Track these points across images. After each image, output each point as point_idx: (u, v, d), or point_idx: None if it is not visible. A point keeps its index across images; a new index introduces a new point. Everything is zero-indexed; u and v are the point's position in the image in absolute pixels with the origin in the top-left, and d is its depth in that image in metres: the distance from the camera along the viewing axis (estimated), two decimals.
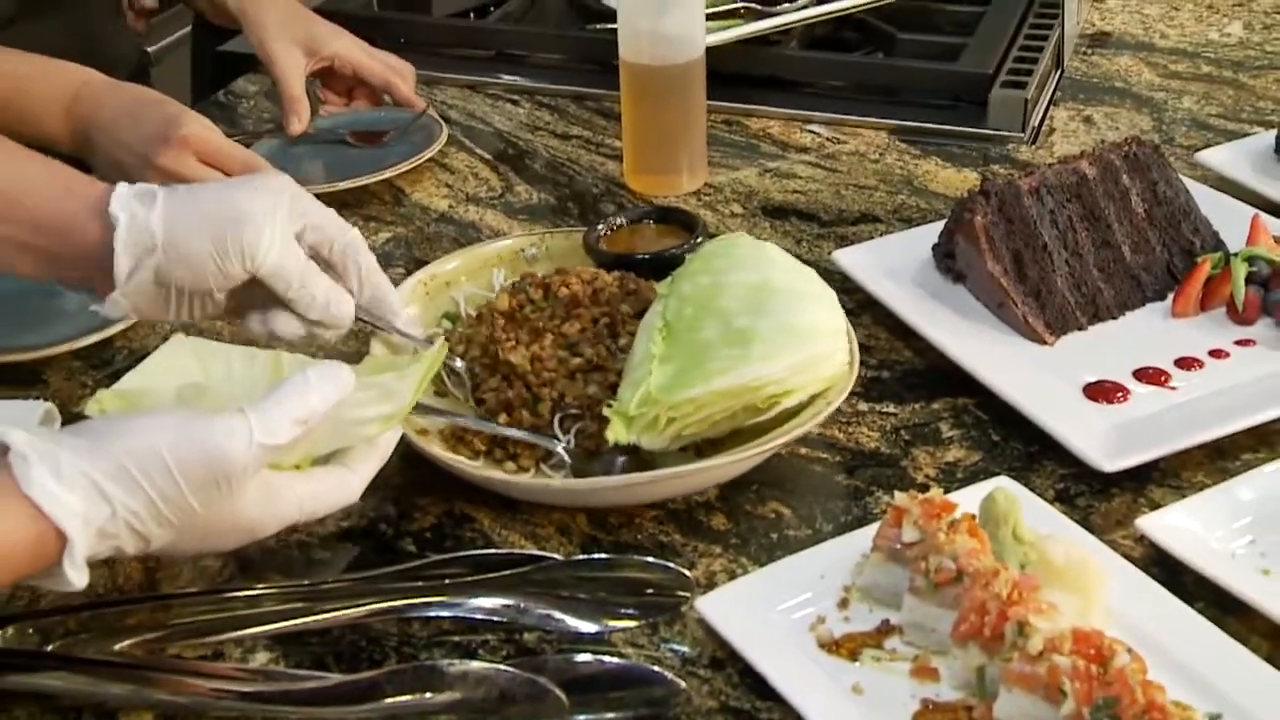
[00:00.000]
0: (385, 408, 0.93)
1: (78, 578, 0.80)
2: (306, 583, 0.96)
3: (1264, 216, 1.30)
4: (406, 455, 1.08)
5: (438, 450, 1.04)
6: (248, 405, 0.85)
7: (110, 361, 1.25)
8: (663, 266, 1.19)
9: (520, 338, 1.10)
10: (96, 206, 1.00)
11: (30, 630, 0.92)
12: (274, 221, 1.00)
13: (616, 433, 1.01)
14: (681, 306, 1.04)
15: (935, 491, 0.93)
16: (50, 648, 0.92)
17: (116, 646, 0.92)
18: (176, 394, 0.94)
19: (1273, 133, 1.49)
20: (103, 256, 0.99)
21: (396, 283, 1.15)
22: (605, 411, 1.03)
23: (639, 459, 1.05)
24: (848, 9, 1.72)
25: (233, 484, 0.84)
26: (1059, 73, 1.73)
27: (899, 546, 0.92)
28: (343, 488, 0.92)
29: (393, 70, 1.62)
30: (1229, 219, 1.33)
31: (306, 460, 0.93)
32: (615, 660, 0.90)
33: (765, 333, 1.02)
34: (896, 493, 0.95)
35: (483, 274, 1.25)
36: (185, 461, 0.82)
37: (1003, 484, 0.99)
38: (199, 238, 0.99)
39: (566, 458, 1.05)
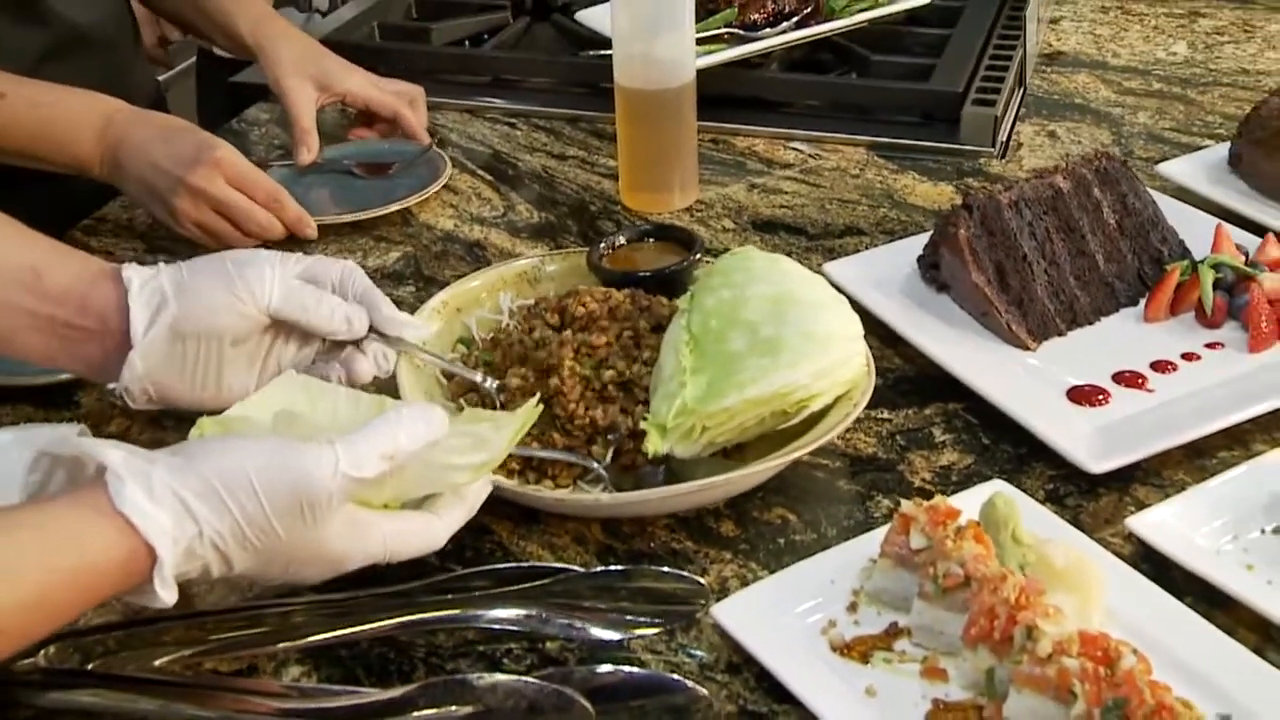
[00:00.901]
0: (477, 456, 0.88)
1: (167, 595, 0.77)
2: (338, 597, 0.92)
3: (1226, 226, 1.27)
4: None
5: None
6: (337, 437, 0.81)
7: None
8: (665, 282, 1.15)
9: (545, 360, 1.06)
10: (110, 273, 0.98)
11: (71, 649, 0.88)
12: (273, 262, 1.00)
13: (654, 444, 0.98)
14: (706, 319, 1.01)
15: (939, 499, 0.90)
16: (90, 666, 0.87)
17: (155, 663, 0.87)
18: (272, 420, 0.90)
19: (1225, 145, 1.46)
20: (119, 319, 0.97)
21: (410, 299, 1.11)
22: (642, 425, 0.99)
23: (669, 468, 1.01)
24: (825, 33, 1.68)
25: (317, 512, 0.80)
26: (1022, 90, 1.69)
27: (907, 553, 0.88)
28: (428, 531, 0.88)
29: (402, 101, 1.57)
30: (1191, 228, 1.30)
31: (395, 502, 0.88)
32: (638, 670, 0.86)
33: (791, 341, 0.98)
34: (902, 500, 0.91)
35: (489, 298, 1.19)
36: (271, 485, 0.79)
37: (1000, 488, 0.95)
38: (209, 283, 0.98)
39: (605, 474, 1.00)
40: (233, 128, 1.72)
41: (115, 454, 0.77)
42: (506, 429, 0.90)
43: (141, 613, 0.92)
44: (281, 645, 0.89)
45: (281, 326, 1.02)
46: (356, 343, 1.04)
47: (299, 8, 2.20)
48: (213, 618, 0.91)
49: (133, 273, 0.98)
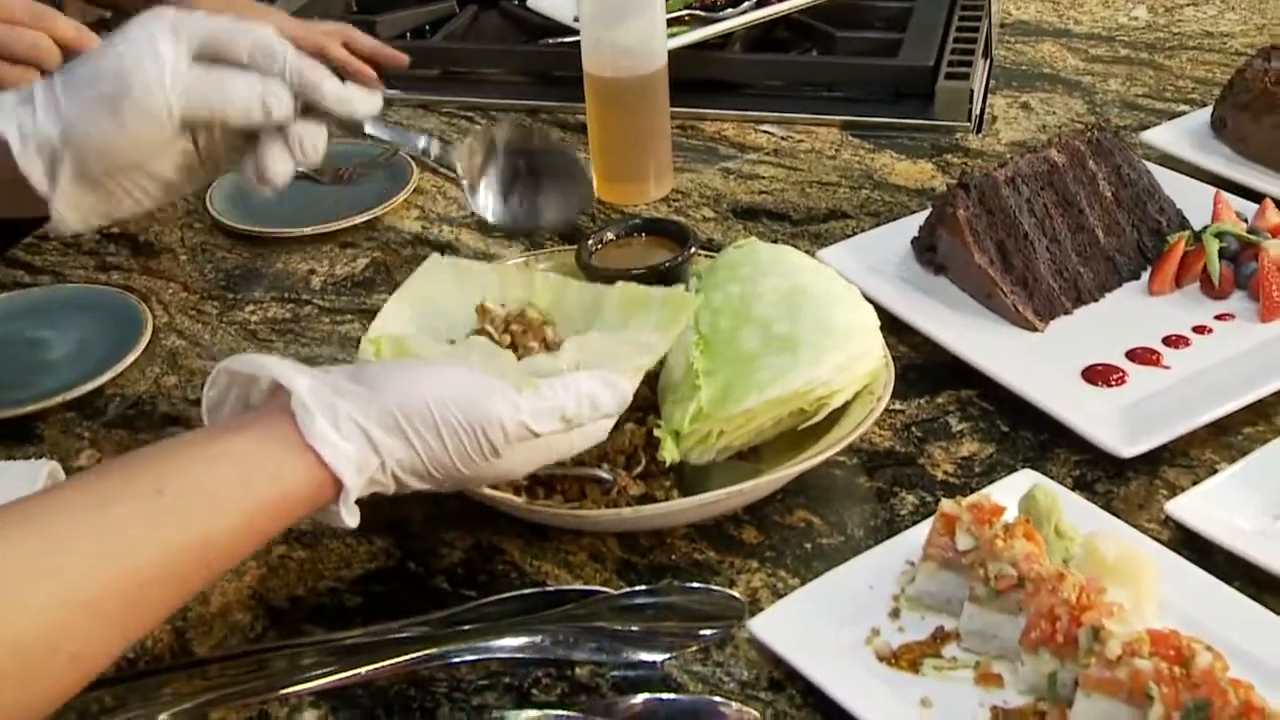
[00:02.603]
0: (642, 360, 0.91)
1: (351, 519, 0.79)
2: (350, 634, 0.86)
3: (1225, 194, 1.24)
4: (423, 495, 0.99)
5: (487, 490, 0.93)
6: (526, 387, 0.82)
7: (104, 410, 1.12)
8: (660, 280, 1.10)
9: (534, 332, 1.01)
10: None
11: (65, 710, 0.81)
12: (159, 60, 0.83)
13: (669, 452, 0.93)
14: (715, 318, 0.96)
15: (981, 496, 0.86)
16: None
17: (159, 718, 0.81)
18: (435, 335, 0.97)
19: (1205, 110, 1.44)
20: (17, 176, 0.85)
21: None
22: (656, 432, 0.94)
23: (683, 475, 0.96)
24: (787, 10, 1.64)
25: (495, 452, 0.82)
26: (989, 62, 1.66)
27: (953, 555, 0.84)
28: (591, 429, 0.87)
29: (333, 40, 1.33)
30: (1183, 196, 1.28)
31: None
32: (680, 696, 0.82)
33: (808, 336, 0.94)
34: (940, 498, 0.87)
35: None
36: (452, 423, 0.80)
37: (1035, 480, 0.92)
38: (95, 118, 0.84)
39: (616, 484, 0.95)
40: None
41: (302, 381, 0.77)
42: (668, 330, 0.95)
43: (137, 663, 0.87)
44: (292, 689, 0.83)
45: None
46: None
47: None
48: (215, 664, 0.85)
49: (5, 122, 0.84)
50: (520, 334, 0.99)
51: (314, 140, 0.89)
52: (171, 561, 0.71)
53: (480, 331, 1.01)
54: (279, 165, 0.88)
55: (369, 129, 0.93)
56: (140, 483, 0.72)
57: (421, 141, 0.98)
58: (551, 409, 0.82)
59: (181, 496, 0.72)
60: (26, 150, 0.84)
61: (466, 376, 0.81)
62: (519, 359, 0.96)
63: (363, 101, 0.91)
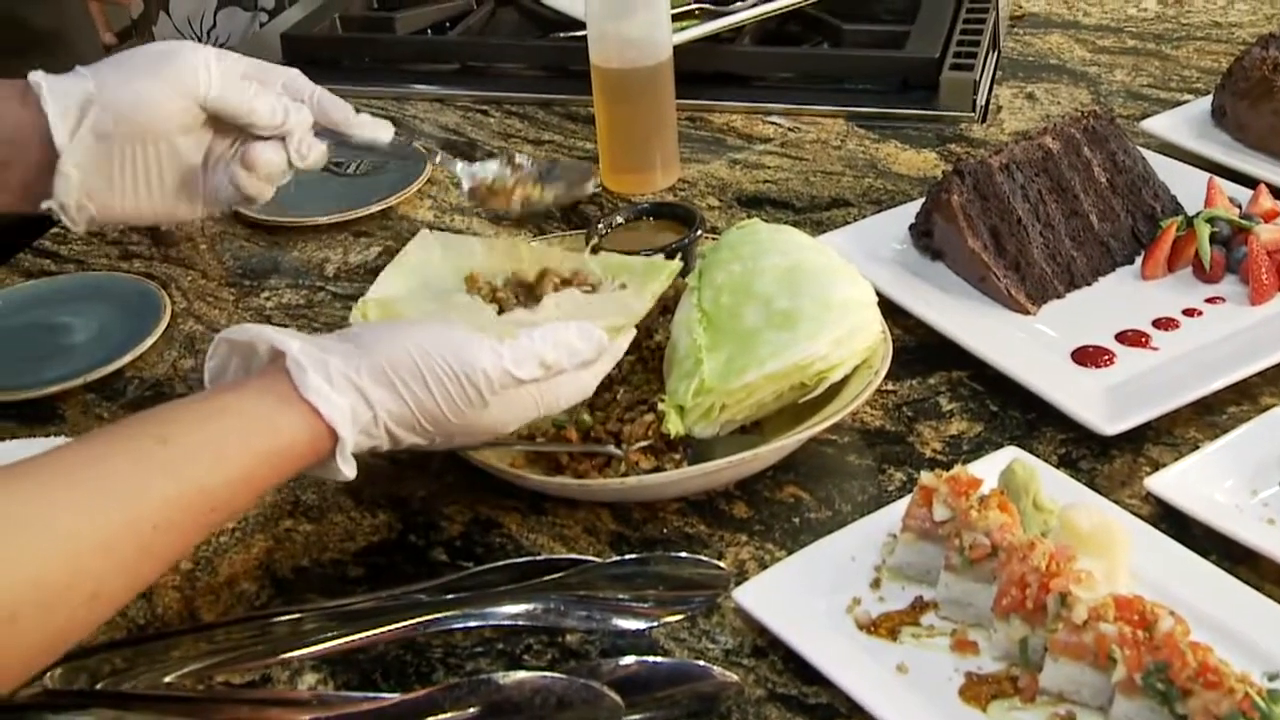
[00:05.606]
0: (618, 319, 0.95)
1: (348, 470, 0.83)
2: (350, 601, 0.89)
3: (1218, 179, 1.26)
4: (427, 467, 1.03)
5: (495, 463, 0.97)
6: (507, 336, 0.87)
7: (123, 392, 1.17)
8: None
9: (518, 294, 1.04)
10: (15, 91, 0.93)
11: (78, 670, 0.85)
12: (208, 55, 0.96)
13: (674, 425, 0.96)
14: (717, 295, 0.99)
15: (959, 469, 0.88)
16: (99, 686, 0.85)
17: (165, 679, 0.85)
18: (428, 297, 1.01)
19: (1207, 99, 1.45)
20: (35, 136, 0.92)
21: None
22: (660, 406, 0.97)
23: (687, 450, 0.99)
24: (796, 4, 1.66)
25: (481, 399, 0.85)
26: (996, 53, 1.68)
27: (930, 525, 0.86)
28: (576, 383, 0.91)
29: None
30: (1180, 183, 1.29)
31: None
32: (664, 659, 0.85)
33: (808, 312, 0.96)
34: (920, 472, 0.90)
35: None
36: (438, 372, 0.84)
37: (1018, 455, 0.94)
38: (137, 75, 0.93)
39: (630, 460, 0.98)
40: None
41: (294, 343, 0.82)
42: (646, 291, 0.99)
43: (146, 629, 0.90)
44: (294, 653, 0.87)
45: (219, 126, 0.98)
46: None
47: (244, 7, 2.16)
48: (221, 629, 0.89)
49: (41, 78, 0.93)
50: (505, 300, 1.03)
51: (316, 151, 1.01)
52: (175, 509, 0.75)
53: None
54: (269, 155, 0.98)
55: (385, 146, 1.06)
56: (145, 436, 0.76)
57: (447, 162, 1.12)
58: (531, 354, 0.87)
59: (183, 447, 0.76)
60: (57, 96, 0.91)
61: (449, 329, 0.86)
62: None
63: (375, 133, 1.04)
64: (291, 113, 0.99)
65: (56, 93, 0.92)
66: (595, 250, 1.15)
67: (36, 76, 0.93)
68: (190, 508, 0.76)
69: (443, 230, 1.38)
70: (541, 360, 0.87)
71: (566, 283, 1.02)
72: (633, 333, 0.97)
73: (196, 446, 0.77)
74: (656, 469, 0.97)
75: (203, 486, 0.76)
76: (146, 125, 0.94)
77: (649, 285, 1.00)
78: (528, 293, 1.03)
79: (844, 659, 0.83)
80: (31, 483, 0.71)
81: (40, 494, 0.71)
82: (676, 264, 1.03)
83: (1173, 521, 0.93)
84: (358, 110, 1.04)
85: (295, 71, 1.02)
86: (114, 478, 0.74)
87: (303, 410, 0.80)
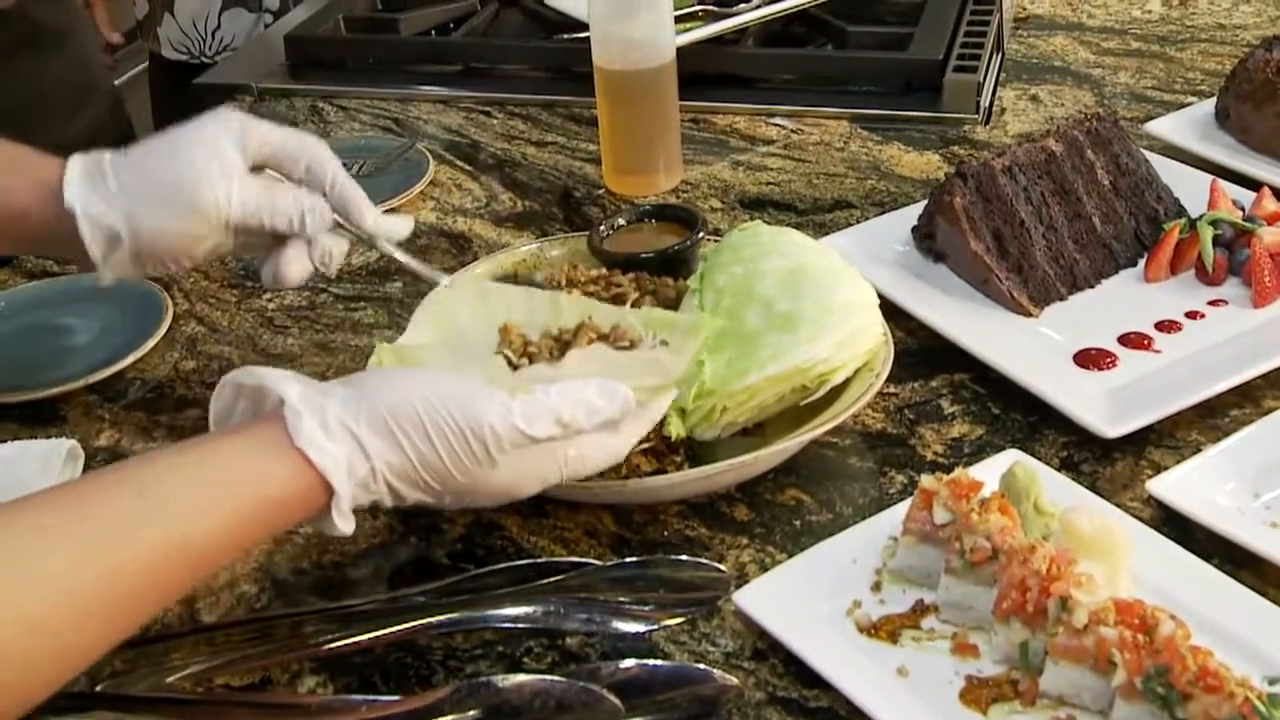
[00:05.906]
0: (653, 379, 0.90)
1: (345, 525, 0.79)
2: (350, 603, 0.89)
3: (1221, 182, 1.26)
4: None
5: None
6: (521, 392, 0.82)
7: (124, 393, 1.17)
8: (670, 263, 1.12)
9: (551, 349, 1.03)
10: (52, 190, 0.95)
11: None
12: (226, 172, 0.95)
13: (675, 427, 0.95)
14: (719, 297, 0.98)
15: (960, 472, 0.88)
16: (99, 687, 0.85)
17: (166, 681, 0.85)
18: (445, 343, 0.94)
19: (1211, 101, 1.45)
20: (73, 234, 0.95)
21: (398, 294, 1.10)
22: None
23: (689, 453, 0.99)
24: (800, 5, 1.66)
25: (489, 456, 0.81)
26: (1000, 55, 1.68)
27: (930, 528, 0.86)
28: (606, 448, 0.86)
29: None
30: (1183, 185, 1.29)
31: None
32: (664, 662, 0.84)
33: (809, 314, 0.96)
34: (920, 476, 0.89)
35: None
36: (441, 427, 0.79)
37: (1018, 458, 0.94)
38: (158, 215, 0.95)
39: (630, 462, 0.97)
40: None
41: (293, 388, 0.78)
42: (684, 352, 0.93)
43: (147, 631, 0.90)
44: (294, 655, 0.87)
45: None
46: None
47: (249, 8, 2.16)
48: (221, 631, 0.89)
49: (75, 199, 0.94)
50: (537, 354, 0.98)
51: (336, 254, 1.01)
52: (152, 560, 0.71)
53: (499, 353, 1.00)
54: (296, 268, 0.99)
55: (399, 257, 1.05)
56: (125, 484, 0.73)
57: (444, 280, 1.06)
58: (545, 411, 0.81)
59: (160, 497, 0.73)
60: (94, 234, 0.95)
61: (457, 381, 0.81)
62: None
63: (394, 228, 1.03)
64: (308, 219, 0.98)
65: (90, 218, 0.95)
66: (599, 252, 1.15)
67: (70, 197, 0.94)
68: (166, 560, 0.72)
69: (444, 233, 1.39)
70: (557, 418, 0.81)
71: (604, 338, 0.97)
72: (674, 393, 0.92)
73: (174, 497, 0.73)
74: (657, 471, 0.97)
75: (180, 538, 0.72)
76: (174, 249, 0.97)
77: (689, 342, 0.95)
78: (563, 347, 0.98)
79: (844, 662, 0.83)
80: (3, 527, 0.69)
81: (4, 543, 0.68)
82: (715, 321, 0.97)
83: (1175, 525, 0.93)
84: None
85: (318, 147, 0.99)
86: (87, 528, 0.70)
87: (294, 458, 0.76)
